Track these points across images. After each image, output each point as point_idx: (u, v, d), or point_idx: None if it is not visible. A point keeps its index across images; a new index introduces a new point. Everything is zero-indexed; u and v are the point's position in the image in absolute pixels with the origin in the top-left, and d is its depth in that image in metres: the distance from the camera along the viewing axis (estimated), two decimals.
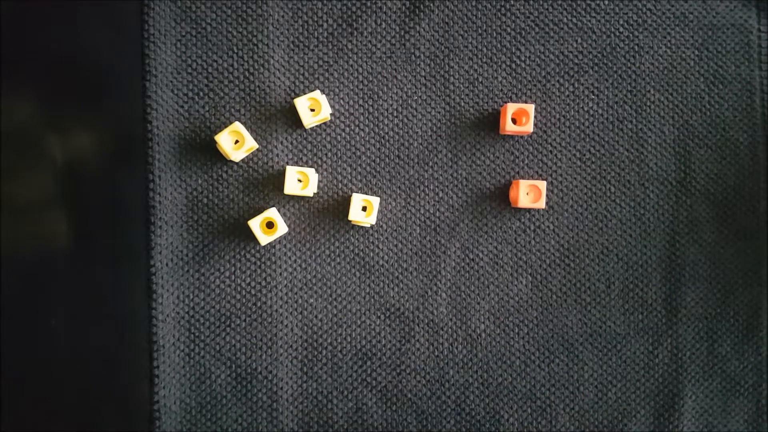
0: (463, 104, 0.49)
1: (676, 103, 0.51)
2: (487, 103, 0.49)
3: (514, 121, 0.49)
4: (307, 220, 0.48)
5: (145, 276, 0.46)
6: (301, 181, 0.46)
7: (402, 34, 0.49)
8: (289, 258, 0.48)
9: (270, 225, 0.46)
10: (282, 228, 0.45)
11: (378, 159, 0.49)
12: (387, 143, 0.49)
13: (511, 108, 0.48)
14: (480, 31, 0.49)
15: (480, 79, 0.49)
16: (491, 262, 0.49)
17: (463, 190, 0.49)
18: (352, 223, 0.48)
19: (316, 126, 0.48)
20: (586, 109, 0.50)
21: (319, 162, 0.48)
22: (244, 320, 0.47)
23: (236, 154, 0.45)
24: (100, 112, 0.47)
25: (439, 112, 0.49)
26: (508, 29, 0.50)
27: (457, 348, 0.49)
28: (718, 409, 0.50)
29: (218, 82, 0.47)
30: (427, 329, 0.48)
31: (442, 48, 0.49)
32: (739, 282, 0.51)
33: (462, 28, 0.49)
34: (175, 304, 0.47)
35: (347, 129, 0.48)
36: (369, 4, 0.49)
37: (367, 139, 0.48)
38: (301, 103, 0.46)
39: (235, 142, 0.46)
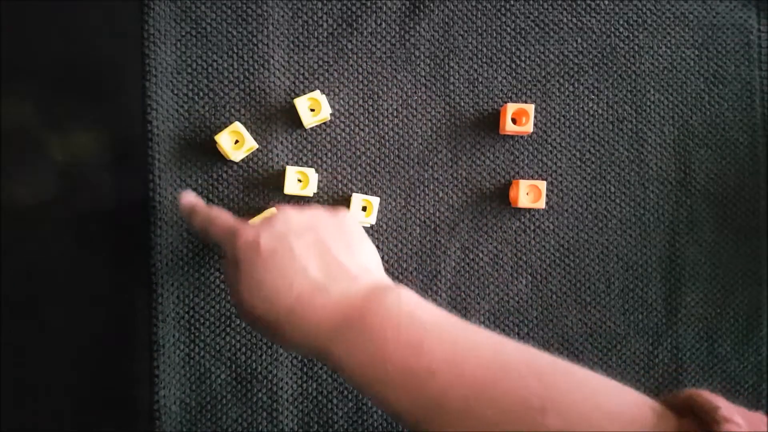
0: (463, 104, 0.49)
1: (676, 103, 0.51)
2: (487, 103, 0.49)
3: (514, 121, 0.49)
4: None
5: (145, 276, 0.46)
6: (301, 181, 0.46)
7: (402, 34, 0.49)
8: None
9: None
10: None
11: (378, 159, 0.48)
12: (387, 143, 0.49)
13: (511, 108, 0.48)
14: (480, 31, 0.49)
15: (480, 79, 0.49)
16: (491, 262, 0.49)
17: (463, 190, 0.49)
18: None
19: (316, 126, 0.48)
20: (586, 109, 0.50)
21: (319, 162, 0.48)
22: None
23: (236, 154, 0.45)
24: (100, 112, 0.47)
25: (439, 112, 0.49)
26: (508, 29, 0.50)
27: None
28: None
29: (218, 82, 0.47)
30: None
31: (442, 48, 0.49)
32: (739, 282, 0.51)
33: (462, 28, 0.49)
34: (175, 304, 0.47)
35: (347, 129, 0.48)
36: (369, 4, 0.49)
37: (367, 139, 0.48)
38: (301, 103, 0.46)
39: (235, 142, 0.46)
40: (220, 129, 0.46)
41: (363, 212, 0.47)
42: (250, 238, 0.35)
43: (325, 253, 0.35)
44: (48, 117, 0.47)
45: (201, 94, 0.47)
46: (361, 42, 0.49)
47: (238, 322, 0.47)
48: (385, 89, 0.49)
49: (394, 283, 0.35)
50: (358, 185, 0.48)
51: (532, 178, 0.49)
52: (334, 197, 0.48)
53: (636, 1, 0.50)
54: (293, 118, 0.47)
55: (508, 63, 0.49)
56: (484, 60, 0.49)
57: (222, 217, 0.39)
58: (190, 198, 0.43)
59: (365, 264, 0.36)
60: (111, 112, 0.47)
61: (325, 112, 0.46)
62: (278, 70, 0.48)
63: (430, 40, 0.49)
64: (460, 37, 0.49)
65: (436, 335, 0.31)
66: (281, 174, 0.47)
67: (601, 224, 0.50)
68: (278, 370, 0.47)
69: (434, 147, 0.49)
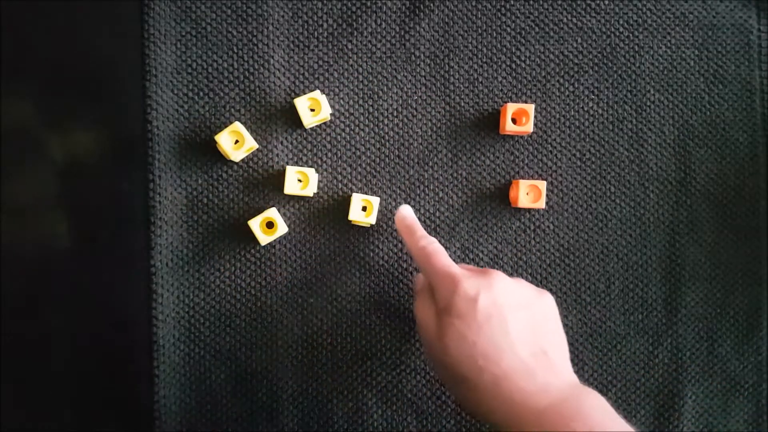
0: (463, 104, 0.49)
1: (676, 103, 0.51)
2: (487, 103, 0.49)
3: (514, 121, 0.49)
4: (307, 220, 0.48)
5: (145, 276, 0.46)
6: (301, 181, 0.46)
7: (402, 34, 0.49)
8: (289, 258, 0.48)
9: (270, 225, 0.46)
10: (282, 228, 0.45)
11: (378, 159, 0.48)
12: (387, 143, 0.49)
13: (511, 108, 0.48)
14: (480, 31, 0.49)
15: (480, 79, 0.49)
16: (491, 262, 0.49)
17: (463, 190, 0.49)
18: (352, 223, 0.48)
19: (316, 126, 0.48)
20: (586, 109, 0.50)
21: (319, 162, 0.48)
22: (244, 320, 0.47)
23: (236, 154, 0.45)
24: (100, 112, 0.47)
25: (439, 112, 0.49)
26: (508, 29, 0.50)
27: None
28: (718, 409, 0.50)
29: (218, 82, 0.47)
30: None
31: (442, 48, 0.49)
32: (739, 282, 0.51)
33: (462, 28, 0.49)
34: (175, 304, 0.47)
35: (347, 129, 0.48)
36: (369, 4, 0.49)
37: (367, 139, 0.48)
38: (301, 103, 0.46)
39: (235, 142, 0.46)
40: (220, 129, 0.46)
41: (363, 212, 0.47)
42: (471, 294, 0.37)
43: (534, 337, 0.37)
44: (48, 117, 0.47)
45: (201, 94, 0.47)
46: (361, 42, 0.49)
47: (238, 322, 0.47)
48: (385, 89, 0.49)
49: (582, 384, 0.37)
50: (358, 185, 0.48)
51: (532, 178, 0.49)
52: (334, 197, 0.48)
53: (636, 1, 0.50)
54: (293, 118, 0.47)
55: (508, 63, 0.49)
56: (484, 60, 0.49)
57: (442, 256, 0.40)
58: (408, 213, 0.44)
59: (564, 358, 0.38)
60: (111, 112, 0.47)
61: (325, 112, 0.46)
62: (278, 70, 0.48)
63: (430, 40, 0.49)
64: (460, 37, 0.49)
65: None
66: (281, 174, 0.47)
67: (601, 224, 0.50)
68: (278, 370, 0.47)
69: (434, 147, 0.49)
